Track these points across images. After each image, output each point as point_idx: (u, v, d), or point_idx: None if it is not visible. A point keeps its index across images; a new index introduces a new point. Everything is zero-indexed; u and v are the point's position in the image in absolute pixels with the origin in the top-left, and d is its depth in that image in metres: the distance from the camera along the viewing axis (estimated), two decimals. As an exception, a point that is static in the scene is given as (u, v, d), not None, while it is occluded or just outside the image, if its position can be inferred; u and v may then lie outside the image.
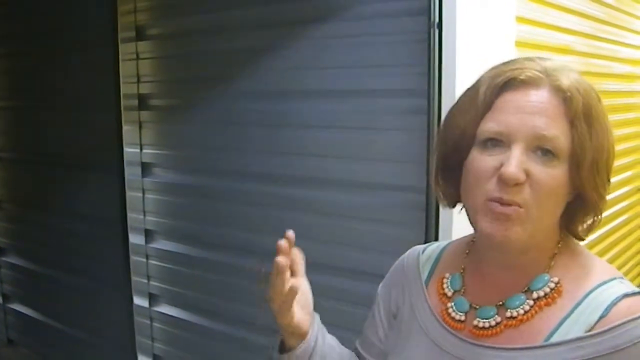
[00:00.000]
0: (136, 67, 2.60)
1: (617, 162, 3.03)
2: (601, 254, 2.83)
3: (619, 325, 0.79)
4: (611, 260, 2.96)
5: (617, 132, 2.92)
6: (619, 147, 3.24)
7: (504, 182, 0.81)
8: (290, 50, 2.11)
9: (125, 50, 2.60)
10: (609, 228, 2.92)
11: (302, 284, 0.97)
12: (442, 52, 1.70)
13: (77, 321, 3.11)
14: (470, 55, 1.70)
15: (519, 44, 1.96)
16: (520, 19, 1.99)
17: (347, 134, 2.02)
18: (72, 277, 3.08)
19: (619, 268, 3.07)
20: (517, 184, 0.81)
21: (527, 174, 0.81)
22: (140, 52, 2.59)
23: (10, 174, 3.50)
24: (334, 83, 2.03)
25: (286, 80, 2.15)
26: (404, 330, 1.01)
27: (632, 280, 3.28)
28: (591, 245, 2.70)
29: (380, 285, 1.11)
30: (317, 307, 2.12)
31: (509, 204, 0.82)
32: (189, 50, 2.45)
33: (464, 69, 1.69)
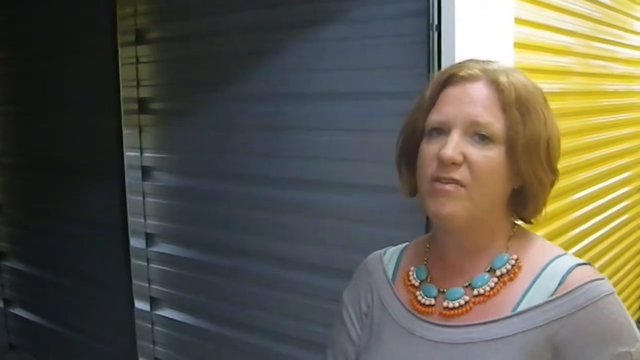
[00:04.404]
0: (136, 71, 2.61)
1: (617, 163, 3.06)
2: (601, 254, 2.83)
3: (576, 288, 0.89)
4: (611, 261, 2.96)
5: (615, 133, 2.93)
6: (618, 148, 3.22)
7: (442, 162, 0.90)
8: (289, 53, 2.12)
9: (125, 54, 2.60)
10: (609, 228, 2.92)
11: None
12: (441, 54, 1.70)
13: (79, 325, 3.11)
14: (469, 57, 1.71)
15: (518, 45, 1.97)
16: (519, 21, 1.99)
17: (348, 137, 2.02)
18: (73, 282, 3.08)
19: (619, 269, 3.08)
20: (455, 164, 0.90)
21: (465, 156, 0.91)
22: (140, 55, 2.60)
23: (11, 179, 3.50)
24: (334, 86, 2.03)
25: (285, 83, 2.15)
26: (376, 326, 1.05)
27: (632, 281, 3.29)
28: (591, 247, 2.71)
29: (345, 292, 1.16)
30: (319, 310, 2.11)
31: (447, 182, 0.91)
32: (188, 54, 2.45)
33: (463, 70, 1.69)
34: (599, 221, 2.80)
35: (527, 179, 0.94)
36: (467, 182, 0.91)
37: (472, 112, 0.92)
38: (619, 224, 3.05)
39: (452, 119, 0.93)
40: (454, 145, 0.90)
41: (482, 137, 0.91)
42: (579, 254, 2.50)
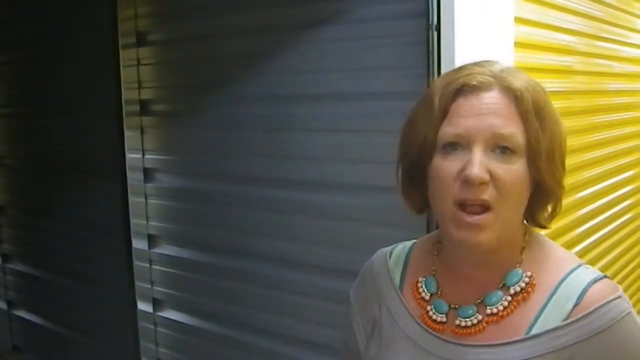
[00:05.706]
0: (137, 73, 2.61)
1: (621, 161, 3.05)
2: (603, 254, 2.82)
3: (593, 311, 0.85)
4: (614, 261, 2.95)
5: (619, 132, 2.92)
6: (621, 146, 3.21)
7: (469, 183, 0.85)
8: (290, 54, 2.12)
9: (126, 56, 2.61)
10: (611, 228, 2.91)
11: None
12: (441, 54, 1.70)
13: (82, 327, 3.11)
14: (469, 57, 1.70)
15: (518, 44, 1.96)
16: (519, 20, 1.98)
17: (349, 137, 2.02)
18: (76, 283, 3.09)
19: (621, 269, 3.07)
20: (482, 183, 0.84)
21: (490, 173, 0.85)
22: (141, 58, 2.60)
23: (14, 181, 3.51)
24: (334, 86, 2.03)
25: (286, 84, 2.15)
26: (385, 337, 1.02)
27: (634, 281, 3.28)
28: (593, 246, 2.70)
29: (351, 293, 1.12)
30: (323, 311, 2.10)
31: (475, 209, 0.85)
32: (190, 56, 2.45)
33: (463, 70, 1.68)
34: (603, 219, 2.79)
35: (549, 184, 0.90)
36: (495, 201, 0.85)
37: (494, 124, 0.86)
38: (622, 222, 3.04)
39: (473, 133, 0.86)
40: (479, 163, 0.84)
41: (504, 150, 0.86)
42: (582, 253, 2.50)
